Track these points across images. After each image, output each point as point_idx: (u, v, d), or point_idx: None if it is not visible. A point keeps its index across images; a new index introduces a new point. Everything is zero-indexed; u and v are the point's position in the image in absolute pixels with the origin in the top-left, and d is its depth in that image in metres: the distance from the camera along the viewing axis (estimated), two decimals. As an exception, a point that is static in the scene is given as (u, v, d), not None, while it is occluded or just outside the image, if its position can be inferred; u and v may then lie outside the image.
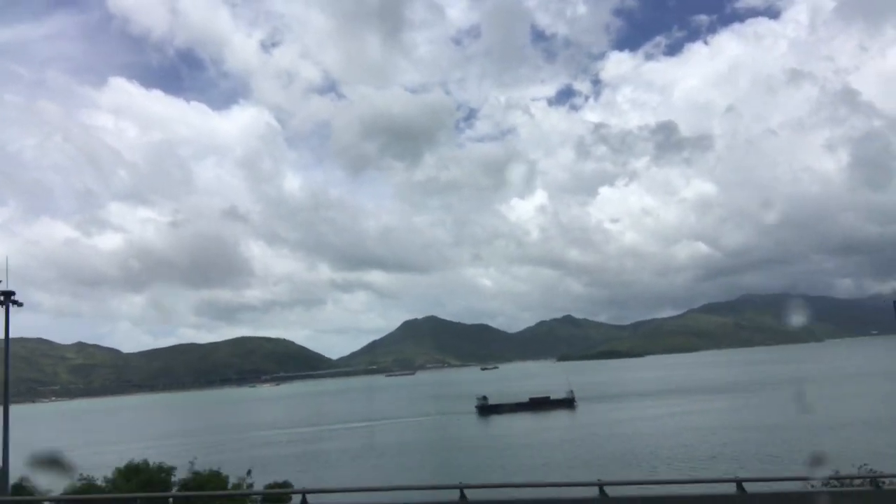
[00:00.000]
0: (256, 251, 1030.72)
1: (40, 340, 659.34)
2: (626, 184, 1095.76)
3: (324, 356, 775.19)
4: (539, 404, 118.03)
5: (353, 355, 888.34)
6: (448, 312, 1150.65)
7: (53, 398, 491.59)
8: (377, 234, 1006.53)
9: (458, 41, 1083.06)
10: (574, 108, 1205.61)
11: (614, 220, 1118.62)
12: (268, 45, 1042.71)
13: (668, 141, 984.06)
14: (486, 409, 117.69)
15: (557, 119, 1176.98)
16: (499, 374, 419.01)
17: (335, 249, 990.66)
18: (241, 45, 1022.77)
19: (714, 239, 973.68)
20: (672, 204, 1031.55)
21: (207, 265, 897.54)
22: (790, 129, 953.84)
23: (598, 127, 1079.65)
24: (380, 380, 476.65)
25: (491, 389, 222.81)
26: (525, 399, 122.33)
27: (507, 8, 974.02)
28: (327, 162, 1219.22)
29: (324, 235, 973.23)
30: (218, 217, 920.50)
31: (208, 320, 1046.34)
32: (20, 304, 36.81)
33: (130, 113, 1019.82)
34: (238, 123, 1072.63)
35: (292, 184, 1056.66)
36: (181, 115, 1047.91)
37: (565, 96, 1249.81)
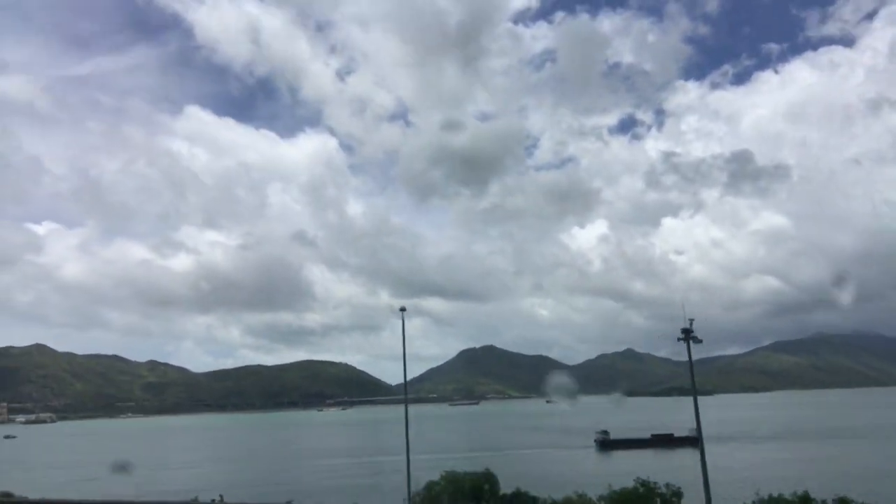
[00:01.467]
0: (318, 276, 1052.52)
1: (115, 357, 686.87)
2: (691, 215, 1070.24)
3: (383, 381, 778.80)
4: (662, 441, 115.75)
5: (412, 382, 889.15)
6: (505, 342, 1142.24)
7: (130, 414, 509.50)
8: (437, 262, 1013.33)
9: (532, 66, 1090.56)
10: (637, 137, 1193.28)
11: (679, 252, 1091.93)
12: (342, 73, 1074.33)
13: (740, 171, 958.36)
14: (607, 444, 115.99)
15: (620, 147, 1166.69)
16: (563, 407, 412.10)
17: (395, 275, 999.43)
18: (314, 74, 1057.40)
19: (786, 273, 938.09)
20: (741, 236, 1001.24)
21: (270, 288, 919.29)
22: (869, 161, 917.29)
23: (668, 156, 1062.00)
24: (444, 408, 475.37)
25: (571, 423, 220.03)
26: (646, 435, 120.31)
27: (584, 35, 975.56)
28: (392, 188, 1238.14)
29: (385, 261, 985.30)
30: (283, 241, 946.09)
31: (267, 342, 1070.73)
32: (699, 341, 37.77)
33: (203, 140, 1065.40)
34: (305, 150, 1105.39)
35: (356, 210, 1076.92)
36: (251, 142, 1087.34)
37: (629, 125, 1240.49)
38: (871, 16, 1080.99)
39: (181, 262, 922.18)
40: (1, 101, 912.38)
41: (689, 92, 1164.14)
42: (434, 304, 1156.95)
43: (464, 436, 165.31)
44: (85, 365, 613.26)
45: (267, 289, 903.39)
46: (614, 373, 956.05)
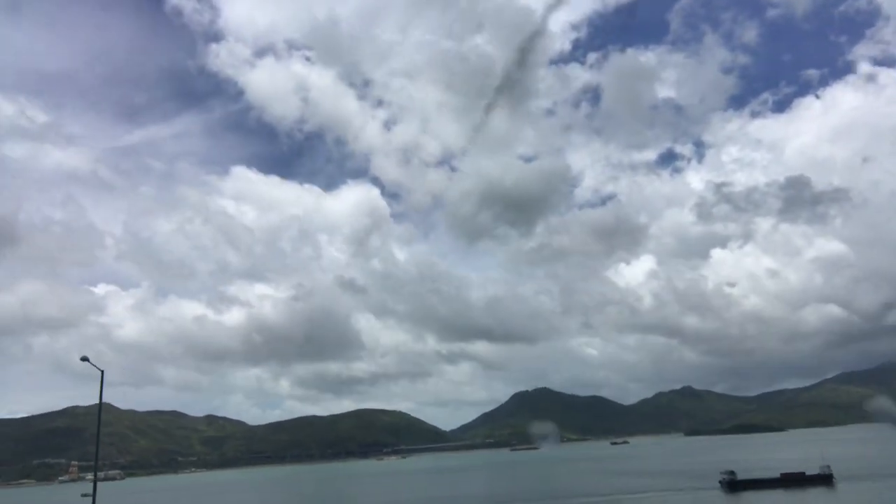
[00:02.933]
0: (365, 324, 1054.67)
1: (174, 413, 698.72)
2: (740, 245, 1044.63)
3: (439, 428, 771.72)
4: (793, 481, 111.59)
5: (465, 427, 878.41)
6: (556, 383, 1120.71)
7: (193, 469, 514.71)
8: (484, 305, 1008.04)
9: (572, 104, 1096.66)
10: (678, 170, 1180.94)
11: (731, 284, 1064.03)
12: (388, 124, 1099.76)
13: (797, 197, 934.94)
14: (735, 485, 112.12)
15: (662, 182, 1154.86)
16: (632, 449, 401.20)
17: (442, 321, 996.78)
18: (358, 127, 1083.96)
19: (847, 302, 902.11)
20: (796, 265, 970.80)
21: (317, 339, 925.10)
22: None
23: (718, 186, 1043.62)
24: (505, 454, 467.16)
25: (640, 465, 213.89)
26: (775, 474, 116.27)
27: (624, 70, 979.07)
28: (436, 234, 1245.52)
29: (431, 307, 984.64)
30: (329, 292, 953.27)
31: (316, 392, 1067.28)
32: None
33: (250, 198, 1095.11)
34: (348, 202, 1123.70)
35: (401, 257, 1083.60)
36: (295, 197, 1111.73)
37: (669, 159, 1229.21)
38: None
39: (232, 317, 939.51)
40: (62, 172, 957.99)
41: (730, 122, 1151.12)
42: (481, 347, 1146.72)
43: (555, 482, 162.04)
44: (146, 421, 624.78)
45: (314, 339, 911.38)
46: (673, 411, 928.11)
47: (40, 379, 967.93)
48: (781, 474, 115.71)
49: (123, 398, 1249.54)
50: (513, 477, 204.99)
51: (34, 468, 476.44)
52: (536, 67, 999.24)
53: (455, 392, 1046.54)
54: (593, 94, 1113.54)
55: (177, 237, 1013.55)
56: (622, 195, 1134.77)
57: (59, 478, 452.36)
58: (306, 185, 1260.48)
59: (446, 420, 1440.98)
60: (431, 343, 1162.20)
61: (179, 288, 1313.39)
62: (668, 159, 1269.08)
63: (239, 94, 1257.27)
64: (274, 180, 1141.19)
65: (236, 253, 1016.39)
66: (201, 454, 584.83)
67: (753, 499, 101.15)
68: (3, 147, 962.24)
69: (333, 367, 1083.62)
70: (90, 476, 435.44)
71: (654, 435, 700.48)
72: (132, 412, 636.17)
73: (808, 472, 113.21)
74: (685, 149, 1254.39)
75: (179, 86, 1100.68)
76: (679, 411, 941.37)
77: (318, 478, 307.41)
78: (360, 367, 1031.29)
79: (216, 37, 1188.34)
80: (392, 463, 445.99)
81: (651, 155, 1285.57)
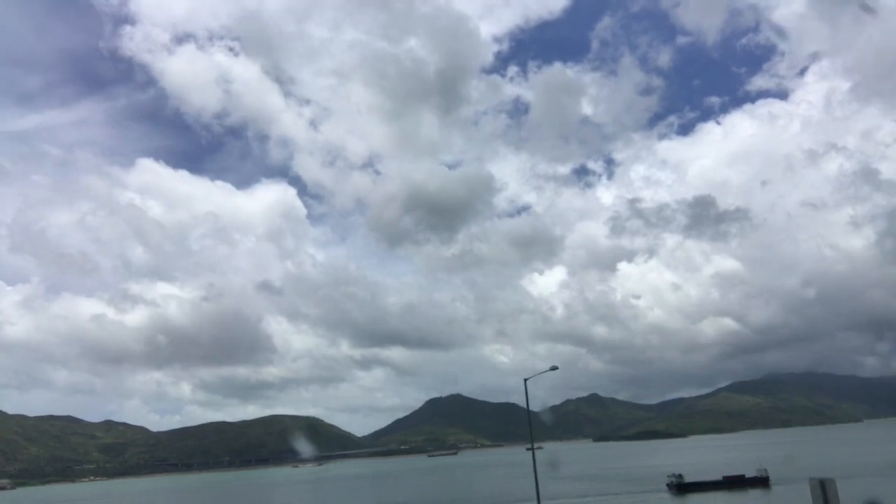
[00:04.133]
0: (276, 328, 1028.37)
1: (69, 418, 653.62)
2: (645, 260, 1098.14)
3: (352, 434, 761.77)
4: (735, 483, 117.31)
5: (378, 434, 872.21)
6: (469, 389, 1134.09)
7: (92, 478, 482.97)
8: (400, 310, 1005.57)
9: (497, 114, 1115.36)
10: (590, 185, 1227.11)
11: (636, 297, 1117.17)
12: (312, 123, 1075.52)
13: (701, 215, 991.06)
14: (682, 488, 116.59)
15: (578, 195, 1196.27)
16: (550, 454, 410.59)
17: (356, 326, 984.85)
18: (277, 124, 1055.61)
19: (740, 316, 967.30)
20: (696, 280, 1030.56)
21: (224, 342, 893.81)
22: (811, 208, 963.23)
23: (632, 202, 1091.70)
24: (424, 460, 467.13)
25: (572, 469, 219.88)
26: (717, 477, 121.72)
27: (559, 85, 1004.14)
28: (354, 238, 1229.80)
29: (346, 312, 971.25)
30: (239, 294, 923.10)
31: (220, 398, 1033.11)
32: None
33: (156, 192, 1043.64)
34: (262, 201, 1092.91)
35: (316, 260, 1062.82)
36: (206, 194, 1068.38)
37: (584, 173, 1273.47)
38: (803, 71, 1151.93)
39: (132, 318, 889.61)
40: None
41: (638, 142, 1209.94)
42: (396, 353, 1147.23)
43: (491, 487, 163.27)
44: (37, 427, 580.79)
45: (222, 342, 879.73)
46: (580, 418, 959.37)
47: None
48: (724, 477, 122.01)
49: (8, 402, 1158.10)
50: (442, 482, 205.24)
51: None
52: (468, 75, 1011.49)
53: (367, 398, 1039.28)
54: (521, 106, 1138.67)
55: (74, 230, 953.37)
56: (540, 206, 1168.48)
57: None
58: (218, 182, 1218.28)
59: (358, 426, 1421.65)
60: (345, 348, 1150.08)
61: (75, 285, 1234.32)
62: (582, 174, 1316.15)
63: (149, 81, 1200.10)
64: (183, 175, 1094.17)
65: (140, 249, 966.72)
66: (100, 462, 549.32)
67: (701, 500, 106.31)
68: None
69: (241, 372, 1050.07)
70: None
71: (564, 441, 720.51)
72: (21, 417, 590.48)
73: (747, 475, 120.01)
74: (597, 165, 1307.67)
75: (81, 70, 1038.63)
76: (585, 418, 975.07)
77: (237, 486, 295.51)
78: (270, 372, 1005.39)
79: (127, 19, 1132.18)
80: (309, 470, 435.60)
81: (567, 169, 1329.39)
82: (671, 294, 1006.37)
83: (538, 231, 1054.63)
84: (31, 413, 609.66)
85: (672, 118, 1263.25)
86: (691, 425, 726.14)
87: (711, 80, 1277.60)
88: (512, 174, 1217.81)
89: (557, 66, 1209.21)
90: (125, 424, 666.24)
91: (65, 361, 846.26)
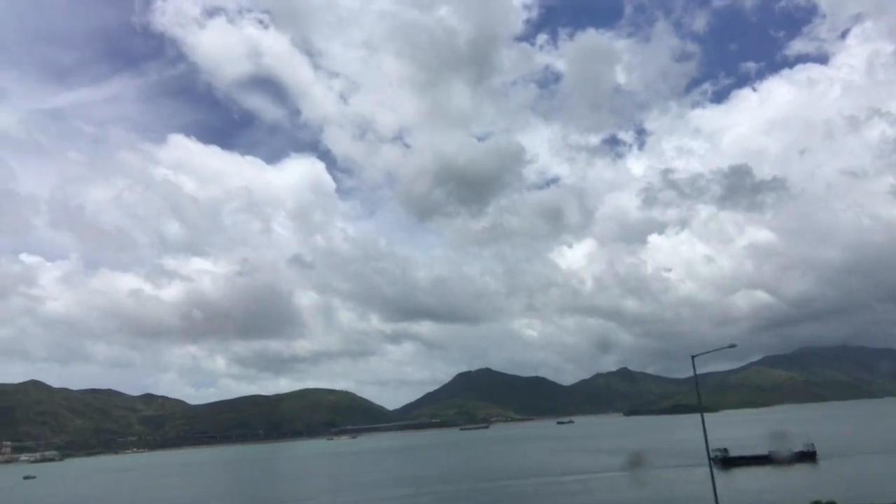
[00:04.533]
0: (307, 302, 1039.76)
1: (111, 392, 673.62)
2: (677, 232, 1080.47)
3: (384, 408, 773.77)
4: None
5: (409, 407, 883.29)
6: (498, 363, 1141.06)
7: (134, 449, 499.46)
8: (430, 284, 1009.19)
9: (535, 83, 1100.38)
10: (620, 155, 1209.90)
11: (667, 269, 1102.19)
12: (343, 95, 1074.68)
13: (737, 185, 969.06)
14: (728, 462, 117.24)
15: (608, 166, 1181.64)
16: (583, 428, 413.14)
17: (386, 300, 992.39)
18: (307, 97, 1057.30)
19: (774, 289, 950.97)
20: (729, 252, 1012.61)
21: (256, 316, 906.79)
22: (851, 176, 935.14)
23: (665, 173, 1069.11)
24: (456, 433, 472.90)
25: (611, 443, 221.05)
26: (764, 451, 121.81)
27: (593, 52, 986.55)
28: (383, 212, 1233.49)
29: (377, 286, 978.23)
30: (271, 268, 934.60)
31: (255, 371, 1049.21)
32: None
33: (189, 168, 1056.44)
34: (292, 176, 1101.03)
35: (346, 234, 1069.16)
36: (236, 170, 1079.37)
37: (614, 143, 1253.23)
38: (844, 34, 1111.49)
39: (168, 293, 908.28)
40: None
41: (671, 110, 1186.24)
42: (425, 327, 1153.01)
43: (533, 460, 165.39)
44: (82, 400, 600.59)
45: (254, 316, 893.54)
46: (611, 392, 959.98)
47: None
48: (770, 451, 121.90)
49: (52, 376, 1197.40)
50: (477, 456, 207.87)
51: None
52: (499, 44, 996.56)
53: (396, 372, 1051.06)
54: (551, 75, 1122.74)
55: (110, 206, 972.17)
56: (570, 178, 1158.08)
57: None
58: (248, 157, 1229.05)
59: (388, 400, 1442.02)
60: (375, 322, 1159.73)
61: (112, 260, 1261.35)
62: (612, 144, 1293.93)
63: (179, 56, 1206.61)
64: (214, 150, 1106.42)
65: (175, 225, 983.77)
66: (141, 434, 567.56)
67: (749, 474, 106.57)
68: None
69: (274, 345, 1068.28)
70: (24, 457, 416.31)
71: (594, 415, 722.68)
72: (66, 390, 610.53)
73: (794, 450, 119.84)
74: (627, 135, 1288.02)
75: (113, 46, 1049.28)
76: (616, 392, 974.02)
77: (278, 457, 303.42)
78: (302, 346, 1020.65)
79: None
80: (344, 442, 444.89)
81: (598, 139, 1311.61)
82: (703, 266, 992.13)
83: (568, 203, 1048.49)
84: (74, 387, 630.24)
85: (706, 85, 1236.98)
86: (723, 400, 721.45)
87: (748, 44, 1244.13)
88: (542, 145, 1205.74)
89: (591, 32, 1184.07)
90: (164, 397, 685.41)
91: (104, 336, 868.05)
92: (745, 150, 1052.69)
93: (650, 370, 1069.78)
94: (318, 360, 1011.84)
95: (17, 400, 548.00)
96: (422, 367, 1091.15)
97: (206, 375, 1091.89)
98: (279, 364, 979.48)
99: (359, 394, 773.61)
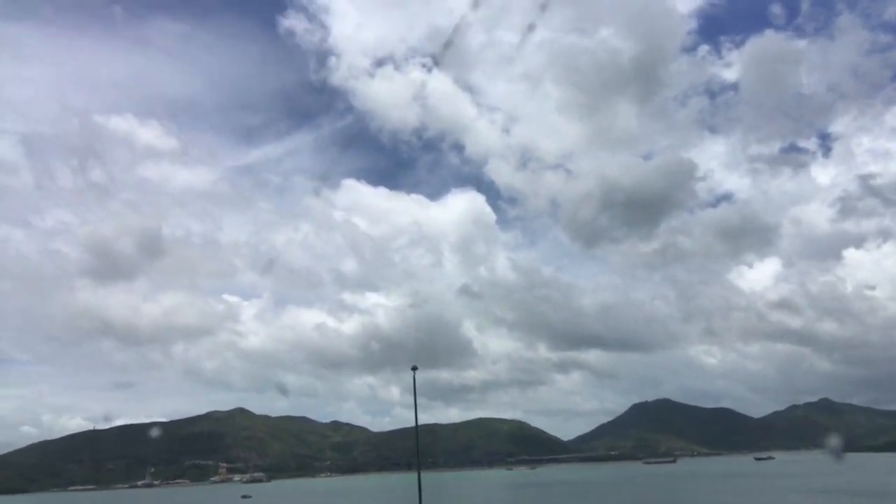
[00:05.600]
0: (474, 332, 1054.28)
1: (304, 419, 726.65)
2: (878, 245, 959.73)
3: (557, 437, 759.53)
4: None
5: (583, 438, 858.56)
6: (673, 393, 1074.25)
7: (328, 473, 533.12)
8: (596, 311, 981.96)
9: (707, 95, 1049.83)
10: (802, 165, 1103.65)
11: (870, 287, 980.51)
12: (506, 128, 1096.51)
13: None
14: None
15: (790, 177, 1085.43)
16: (791, 466, 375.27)
17: (553, 328, 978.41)
18: (471, 133, 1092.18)
19: None
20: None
21: (428, 346, 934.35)
22: None
23: (864, 179, 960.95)
24: (641, 467, 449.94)
25: (842, 482, 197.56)
26: None
27: (770, 57, 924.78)
28: (545, 240, 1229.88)
29: (542, 314, 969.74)
30: (438, 300, 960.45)
31: (426, 401, 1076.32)
32: None
33: (361, 209, 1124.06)
34: (454, 210, 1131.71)
35: (508, 264, 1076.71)
36: (403, 208, 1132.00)
37: (794, 152, 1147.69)
38: None
39: (347, 326, 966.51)
40: (194, 191, 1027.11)
41: (860, 110, 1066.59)
42: (594, 355, 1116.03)
43: (741, 501, 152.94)
44: (279, 426, 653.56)
45: (426, 347, 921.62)
46: (809, 426, 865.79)
47: (177, 384, 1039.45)
48: None
49: (254, 403, 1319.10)
50: (674, 495, 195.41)
51: (186, 469, 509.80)
52: (665, 57, 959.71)
53: (565, 401, 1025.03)
54: (722, 84, 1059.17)
55: (294, 248, 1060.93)
56: (747, 192, 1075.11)
57: (211, 478, 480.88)
58: (413, 196, 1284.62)
59: (558, 430, 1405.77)
60: (542, 351, 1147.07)
61: (298, 297, 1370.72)
62: (793, 152, 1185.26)
63: (348, 108, 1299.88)
64: (382, 191, 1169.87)
65: (352, 262, 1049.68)
66: (333, 459, 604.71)
67: None
68: (141, 169, 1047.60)
69: (444, 375, 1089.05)
70: (237, 477, 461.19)
71: (795, 451, 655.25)
72: (265, 417, 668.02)
73: None
74: (809, 142, 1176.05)
75: (293, 105, 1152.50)
76: (816, 425, 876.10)
77: (468, 486, 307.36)
78: (471, 375, 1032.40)
79: (328, 52, 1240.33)
80: (523, 473, 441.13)
81: (776, 149, 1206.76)
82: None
83: (746, 220, 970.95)
84: (272, 414, 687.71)
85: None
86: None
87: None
88: (715, 159, 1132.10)
89: (768, 34, 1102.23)
90: (349, 425, 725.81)
91: (293, 367, 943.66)
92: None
93: (856, 401, 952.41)
94: (486, 390, 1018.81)
95: (227, 425, 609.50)
96: (590, 396, 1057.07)
97: (381, 404, 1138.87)
98: (450, 393, 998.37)
99: (528, 423, 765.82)
